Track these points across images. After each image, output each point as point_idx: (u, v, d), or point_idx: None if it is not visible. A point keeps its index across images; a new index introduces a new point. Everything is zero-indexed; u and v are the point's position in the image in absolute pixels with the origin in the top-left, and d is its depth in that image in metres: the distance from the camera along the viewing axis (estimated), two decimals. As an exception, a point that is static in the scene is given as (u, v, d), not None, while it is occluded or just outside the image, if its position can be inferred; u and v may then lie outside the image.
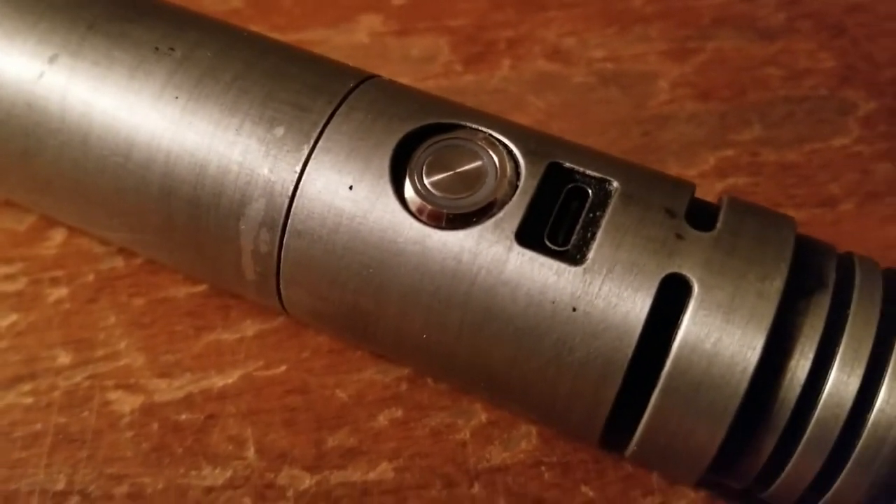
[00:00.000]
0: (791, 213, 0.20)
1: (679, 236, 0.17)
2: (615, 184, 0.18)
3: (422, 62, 0.28)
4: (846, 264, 0.18)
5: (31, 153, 0.19)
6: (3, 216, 0.24)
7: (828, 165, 0.26)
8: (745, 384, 0.16)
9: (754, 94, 0.27)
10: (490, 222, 0.17)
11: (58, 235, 0.24)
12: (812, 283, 0.17)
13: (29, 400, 0.21)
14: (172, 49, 0.19)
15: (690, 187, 0.18)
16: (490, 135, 0.19)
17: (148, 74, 0.19)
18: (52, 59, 0.19)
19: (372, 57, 0.27)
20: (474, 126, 0.19)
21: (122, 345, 0.22)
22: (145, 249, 0.21)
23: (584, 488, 0.20)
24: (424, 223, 0.18)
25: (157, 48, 0.19)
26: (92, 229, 0.22)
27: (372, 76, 0.20)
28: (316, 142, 0.18)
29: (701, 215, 0.18)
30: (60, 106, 0.19)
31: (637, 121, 0.26)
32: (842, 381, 0.17)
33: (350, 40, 0.28)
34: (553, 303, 0.17)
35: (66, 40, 0.19)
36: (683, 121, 0.27)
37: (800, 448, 0.17)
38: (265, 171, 0.18)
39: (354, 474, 0.20)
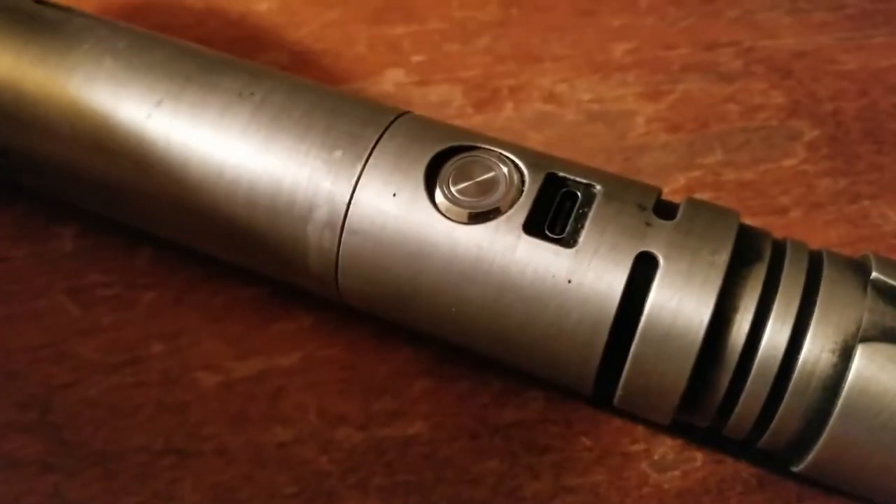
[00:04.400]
0: (748, 219, 0.24)
1: (648, 224, 0.22)
2: (598, 187, 0.22)
3: (439, 106, 0.33)
4: (780, 244, 0.23)
5: (141, 175, 0.24)
6: (96, 238, 0.29)
7: (779, 182, 0.31)
8: (701, 334, 0.20)
9: (716, 126, 0.32)
10: (503, 218, 0.22)
11: (145, 252, 0.29)
12: (752, 256, 0.22)
13: (130, 380, 0.26)
14: (253, 94, 0.24)
15: (657, 190, 0.23)
16: (501, 153, 0.23)
17: (235, 114, 0.24)
18: (158, 104, 0.24)
19: (398, 103, 0.32)
20: (488, 147, 0.23)
21: (204, 335, 0.27)
22: (228, 252, 0.26)
23: (583, 439, 0.25)
24: (452, 220, 0.22)
25: (240, 93, 0.24)
26: (186, 238, 0.26)
27: (407, 112, 0.25)
28: (366, 161, 0.23)
29: (665, 209, 0.22)
30: (166, 139, 0.24)
31: (619, 149, 0.32)
32: (776, 330, 0.21)
33: (379, 90, 0.34)
34: (553, 277, 0.21)
35: (168, 88, 0.24)
36: (657, 149, 0.32)
37: (748, 384, 0.21)
38: (328, 184, 0.23)
39: (396, 430, 0.25)
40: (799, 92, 0.33)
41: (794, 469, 0.22)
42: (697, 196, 0.25)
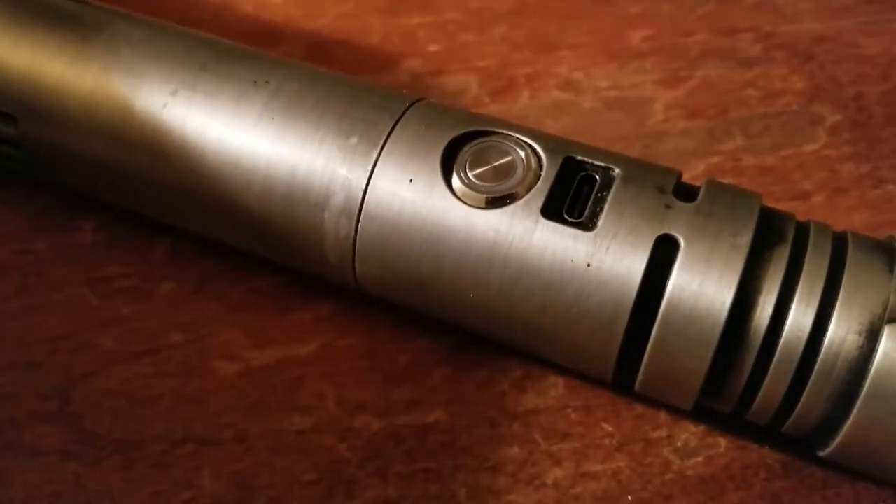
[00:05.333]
0: (770, 204, 0.24)
1: (668, 206, 0.21)
2: (617, 170, 0.22)
3: (455, 96, 0.33)
4: (803, 225, 0.22)
5: (158, 164, 0.24)
6: (115, 231, 0.29)
7: (800, 167, 0.30)
8: (723, 317, 0.20)
9: (736, 112, 0.32)
10: (520, 202, 0.22)
11: (164, 244, 0.29)
12: (775, 237, 0.21)
13: (150, 370, 0.26)
14: (267, 82, 0.24)
15: (677, 172, 0.23)
16: (518, 137, 0.23)
17: (250, 102, 0.24)
18: (174, 93, 0.24)
19: (414, 93, 0.32)
20: (505, 132, 0.23)
21: (222, 325, 0.27)
22: (245, 240, 0.26)
23: (604, 425, 0.24)
24: (469, 205, 0.22)
25: (255, 82, 0.24)
26: (203, 227, 0.26)
27: (422, 98, 0.25)
28: (382, 147, 0.23)
29: (686, 192, 0.22)
30: (181, 129, 0.24)
31: (638, 136, 0.31)
32: (801, 312, 0.20)
33: (395, 81, 0.33)
34: (572, 261, 0.21)
35: (184, 78, 0.24)
36: (677, 135, 0.31)
37: (772, 367, 0.20)
38: (344, 171, 0.23)
39: (416, 418, 0.25)
40: (820, 77, 0.33)
41: (820, 454, 0.22)
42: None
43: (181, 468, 0.24)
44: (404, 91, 0.26)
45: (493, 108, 0.32)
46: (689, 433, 0.24)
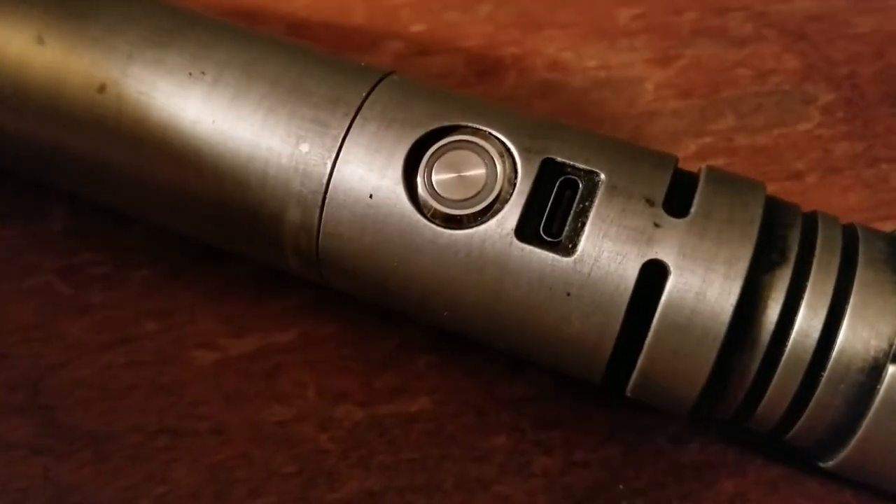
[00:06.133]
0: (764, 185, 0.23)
1: (657, 224, 0.19)
2: (602, 176, 0.20)
3: (440, 77, 0.32)
4: (810, 220, 0.21)
5: (97, 172, 0.23)
6: (87, 217, 0.28)
7: (794, 146, 0.30)
8: (715, 350, 0.19)
9: (727, 91, 0.31)
10: (493, 221, 0.20)
11: (137, 229, 0.28)
12: (776, 253, 0.19)
13: (123, 359, 0.25)
14: (203, 73, 0.22)
15: (671, 167, 0.20)
16: (490, 133, 0.21)
17: (185, 100, 0.21)
18: (101, 90, 0.22)
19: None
20: (475, 126, 0.21)
21: (199, 313, 0.26)
22: (209, 240, 0.25)
23: (595, 412, 0.24)
24: (436, 224, 0.20)
25: (190, 73, 0.22)
26: (156, 221, 0.25)
27: (383, 77, 0.22)
28: (337, 156, 0.21)
29: (679, 197, 0.20)
30: (115, 130, 0.22)
31: (628, 117, 0.31)
32: (804, 331, 0.19)
33: (378, 62, 0.32)
34: (550, 289, 0.19)
35: (110, 71, 0.22)
36: (667, 115, 0.31)
37: (777, 373, 0.19)
38: (297, 184, 0.21)
39: (399, 407, 0.24)
40: (813, 55, 0.32)
41: (823, 465, 0.21)
42: (715, 165, 0.23)
43: (156, 461, 0.23)
44: (364, 63, 0.23)
45: (480, 90, 0.31)
46: (683, 420, 0.24)
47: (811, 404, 0.19)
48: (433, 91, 0.22)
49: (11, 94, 0.23)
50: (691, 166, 0.22)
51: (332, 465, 0.23)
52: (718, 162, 0.29)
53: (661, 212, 0.19)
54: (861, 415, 0.19)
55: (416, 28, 0.34)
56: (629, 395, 0.21)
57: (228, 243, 0.24)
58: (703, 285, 0.19)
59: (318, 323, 0.26)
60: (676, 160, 0.21)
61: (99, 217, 0.28)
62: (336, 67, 0.22)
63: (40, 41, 0.23)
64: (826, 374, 0.19)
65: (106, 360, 0.25)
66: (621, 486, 0.22)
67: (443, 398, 0.24)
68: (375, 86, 0.22)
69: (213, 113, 0.21)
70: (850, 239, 0.20)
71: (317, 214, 0.21)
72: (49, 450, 0.23)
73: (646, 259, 0.19)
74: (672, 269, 0.19)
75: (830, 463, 0.20)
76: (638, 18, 0.34)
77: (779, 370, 0.19)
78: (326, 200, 0.21)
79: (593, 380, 0.21)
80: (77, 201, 0.28)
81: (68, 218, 0.28)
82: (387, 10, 0.34)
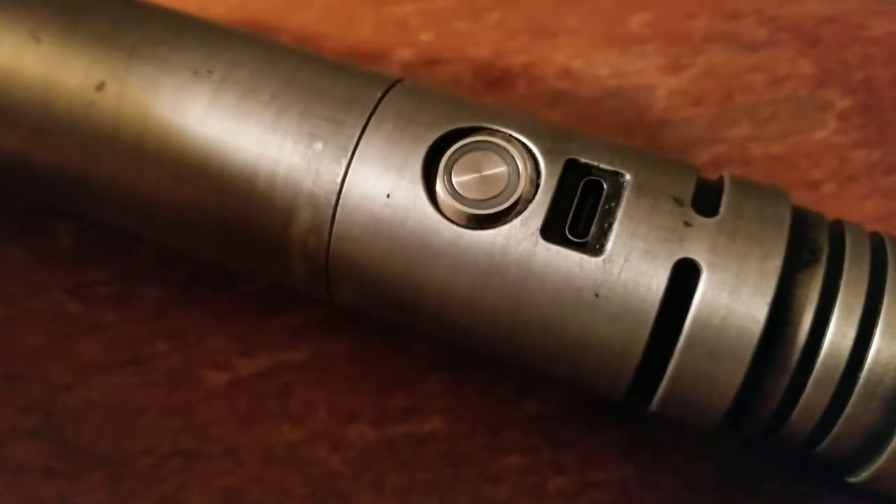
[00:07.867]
0: None
1: (687, 223, 0.19)
2: (627, 176, 0.19)
3: (449, 86, 0.31)
4: (837, 231, 0.20)
5: (91, 177, 0.22)
6: (96, 234, 0.28)
7: (810, 154, 0.29)
8: (751, 351, 0.18)
9: (742, 98, 0.31)
10: (517, 221, 0.19)
11: (147, 248, 0.27)
12: (808, 252, 0.19)
13: (135, 380, 0.25)
14: (210, 71, 0.21)
15: (695, 172, 0.20)
16: (511, 135, 0.20)
17: (192, 98, 0.21)
18: (100, 87, 0.21)
19: (406, 84, 0.31)
20: (496, 127, 0.20)
21: (209, 332, 0.26)
22: (211, 257, 0.24)
23: (608, 431, 0.23)
24: (457, 225, 0.19)
25: (196, 72, 0.21)
26: (160, 240, 0.25)
27: (396, 82, 0.21)
28: (352, 155, 0.20)
29: (706, 199, 0.19)
30: (113, 133, 0.21)
31: (640, 125, 0.30)
32: (840, 330, 0.18)
33: (387, 72, 0.32)
34: (578, 291, 0.19)
35: (111, 69, 0.21)
36: (680, 123, 0.30)
37: (812, 376, 0.18)
38: (309, 184, 0.20)
39: (412, 427, 0.24)
40: (828, 60, 0.32)
41: (853, 480, 0.20)
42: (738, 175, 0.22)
43: (169, 483, 0.23)
44: (374, 69, 0.23)
45: (489, 99, 0.31)
46: (699, 436, 0.23)
47: (846, 410, 0.19)
48: (448, 95, 0.22)
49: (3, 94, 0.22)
50: (706, 175, 0.21)
51: (345, 487, 0.23)
52: (734, 170, 0.28)
53: (691, 211, 0.19)
54: (893, 428, 0.18)
55: (425, 37, 0.33)
56: (654, 408, 0.20)
57: (230, 256, 0.23)
58: (738, 283, 0.18)
59: (328, 341, 0.25)
60: (698, 172, 0.21)
61: (108, 233, 0.28)
62: (348, 71, 0.22)
63: (36, 38, 0.22)
64: (862, 376, 0.18)
65: (117, 380, 0.25)
66: (637, 507, 0.22)
67: (455, 417, 0.24)
68: (389, 89, 0.21)
69: (221, 111, 0.21)
70: (877, 244, 0.20)
71: (329, 214, 0.20)
72: (62, 473, 0.23)
73: (677, 258, 0.18)
74: (705, 267, 0.18)
75: (863, 475, 0.20)
76: (649, 24, 0.33)
77: (814, 373, 0.19)
78: (340, 200, 0.20)
79: (615, 393, 0.21)
80: (86, 219, 0.28)
81: (77, 236, 0.28)
82: (395, 20, 0.34)
